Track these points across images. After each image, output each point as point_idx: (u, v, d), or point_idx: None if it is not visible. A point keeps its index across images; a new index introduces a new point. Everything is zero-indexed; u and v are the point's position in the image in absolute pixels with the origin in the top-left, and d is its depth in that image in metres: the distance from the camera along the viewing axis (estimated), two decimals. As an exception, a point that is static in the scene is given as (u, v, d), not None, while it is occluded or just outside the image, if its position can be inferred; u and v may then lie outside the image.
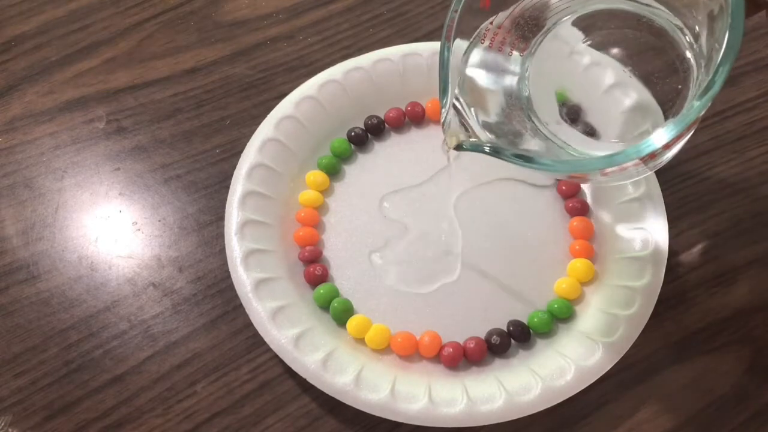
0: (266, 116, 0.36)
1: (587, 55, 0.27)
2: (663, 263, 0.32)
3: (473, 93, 0.27)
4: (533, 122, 0.27)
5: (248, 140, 0.35)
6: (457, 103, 0.27)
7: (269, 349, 0.31)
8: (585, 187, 0.36)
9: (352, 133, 0.37)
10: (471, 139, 0.26)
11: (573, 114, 0.28)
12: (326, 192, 0.36)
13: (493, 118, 0.28)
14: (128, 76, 0.40)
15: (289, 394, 0.32)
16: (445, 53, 0.26)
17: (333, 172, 0.36)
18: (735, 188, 0.36)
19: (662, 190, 0.34)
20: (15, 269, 0.35)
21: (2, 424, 0.31)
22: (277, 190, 0.35)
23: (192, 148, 0.38)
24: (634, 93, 0.26)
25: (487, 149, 0.25)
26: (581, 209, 0.35)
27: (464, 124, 0.27)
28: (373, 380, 0.30)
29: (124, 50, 0.41)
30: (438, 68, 0.26)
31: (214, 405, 0.31)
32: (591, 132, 0.27)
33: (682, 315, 0.33)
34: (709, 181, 0.36)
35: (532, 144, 0.27)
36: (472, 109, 0.27)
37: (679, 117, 0.21)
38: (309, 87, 0.37)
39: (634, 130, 0.27)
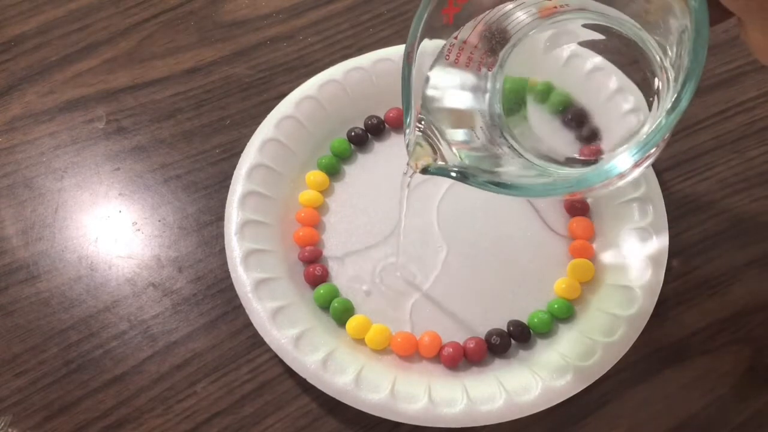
0: (266, 116, 0.36)
1: (586, 57, 0.27)
2: (663, 263, 0.32)
3: (442, 113, 0.26)
4: (506, 140, 0.26)
5: (248, 140, 0.35)
6: (422, 123, 0.25)
7: (269, 349, 0.31)
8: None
9: (352, 133, 0.37)
10: (438, 162, 0.25)
11: (578, 118, 0.27)
12: (326, 192, 0.36)
13: (464, 138, 0.26)
14: (128, 76, 0.40)
15: (289, 394, 0.32)
16: (406, 72, 0.25)
17: (333, 172, 0.36)
18: (735, 188, 0.36)
19: (662, 190, 0.34)
20: (15, 269, 0.35)
21: (2, 424, 0.31)
22: (277, 190, 0.35)
23: (192, 148, 0.38)
24: (632, 96, 0.26)
25: (453, 174, 0.24)
26: (581, 209, 0.35)
27: (432, 146, 0.25)
28: (373, 380, 0.30)
29: (124, 50, 0.41)
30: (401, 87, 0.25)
31: (214, 405, 0.31)
32: (593, 137, 0.27)
33: (682, 315, 0.33)
34: (709, 181, 0.36)
35: (509, 163, 0.26)
36: (441, 129, 0.26)
37: (647, 137, 0.20)
38: (309, 87, 0.37)
39: (635, 129, 0.27)
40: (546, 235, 0.35)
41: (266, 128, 0.35)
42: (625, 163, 0.20)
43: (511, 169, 0.26)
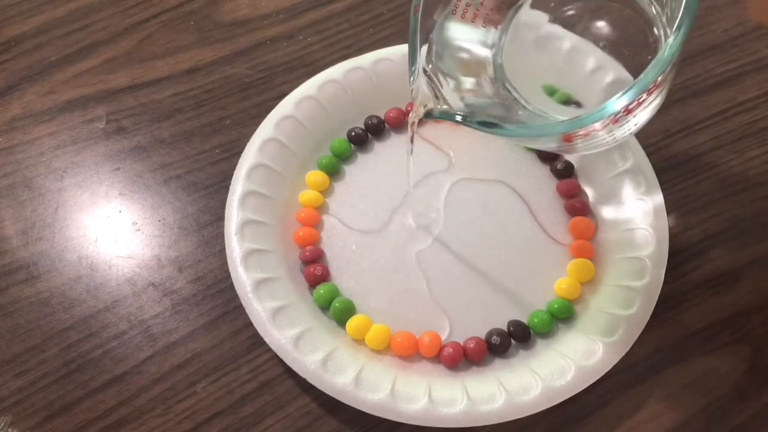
0: (266, 116, 0.36)
1: (565, 38, 0.27)
2: (663, 263, 0.32)
3: (445, 62, 0.28)
4: (509, 92, 0.27)
5: (248, 140, 0.35)
6: (428, 70, 0.27)
7: (269, 349, 0.31)
8: (585, 188, 0.36)
9: (352, 133, 0.37)
10: (441, 107, 0.26)
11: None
12: (326, 192, 0.36)
13: (471, 87, 0.28)
14: (128, 76, 0.40)
15: (289, 394, 0.32)
16: (413, 21, 0.26)
17: (333, 172, 0.36)
18: (735, 188, 0.36)
19: (662, 190, 0.34)
20: (15, 269, 0.35)
21: (2, 424, 0.31)
22: (277, 190, 0.35)
23: (192, 148, 0.38)
24: (612, 69, 0.26)
25: (458, 117, 0.25)
26: (581, 209, 0.35)
27: (435, 92, 0.27)
28: (373, 380, 0.30)
29: (124, 50, 0.41)
30: (408, 36, 0.26)
31: (214, 405, 0.31)
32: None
33: (682, 315, 0.33)
34: (709, 181, 0.36)
35: (513, 112, 0.27)
36: (445, 78, 0.27)
37: (639, 80, 0.21)
38: (309, 87, 0.37)
39: (600, 84, 0.27)
40: (546, 235, 0.35)
41: (266, 128, 0.35)
42: (619, 103, 0.21)
43: (514, 117, 0.27)
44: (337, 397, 0.29)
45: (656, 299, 0.31)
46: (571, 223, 0.35)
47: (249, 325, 0.32)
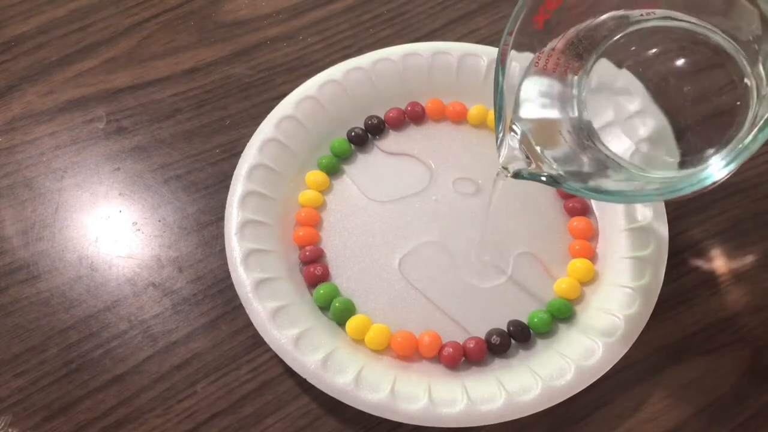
0: (266, 116, 0.36)
1: (621, 79, 0.27)
2: (663, 263, 0.32)
3: (533, 118, 0.27)
4: (594, 143, 0.27)
5: (248, 140, 0.35)
6: (516, 131, 0.26)
7: (269, 349, 0.31)
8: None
9: (352, 133, 0.37)
10: (530, 168, 0.26)
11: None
12: (326, 192, 0.36)
13: (553, 144, 0.27)
14: (128, 76, 0.40)
15: (289, 394, 0.32)
16: (500, 78, 0.25)
17: (333, 172, 0.36)
18: (735, 188, 0.36)
19: (662, 190, 0.34)
20: (15, 269, 0.35)
21: (2, 424, 0.31)
22: (277, 190, 0.35)
23: (192, 148, 0.38)
24: (653, 121, 0.26)
25: (544, 179, 0.24)
26: (581, 209, 0.35)
27: (525, 152, 0.26)
28: (373, 380, 0.30)
29: (124, 50, 0.41)
30: (492, 94, 0.25)
31: (214, 405, 0.31)
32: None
33: (682, 315, 0.33)
34: (709, 181, 0.36)
35: (595, 167, 0.27)
36: (532, 134, 0.26)
37: (741, 147, 0.20)
38: (309, 87, 0.37)
39: (657, 157, 0.27)
40: (546, 235, 0.35)
41: (266, 128, 0.35)
42: (720, 172, 0.21)
43: (597, 172, 0.27)
44: (337, 397, 0.29)
45: (656, 299, 0.31)
46: (571, 223, 0.35)
47: (249, 325, 0.32)
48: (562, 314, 0.32)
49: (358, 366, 0.30)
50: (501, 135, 0.26)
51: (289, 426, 0.31)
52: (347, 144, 0.37)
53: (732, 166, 0.20)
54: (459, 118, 0.38)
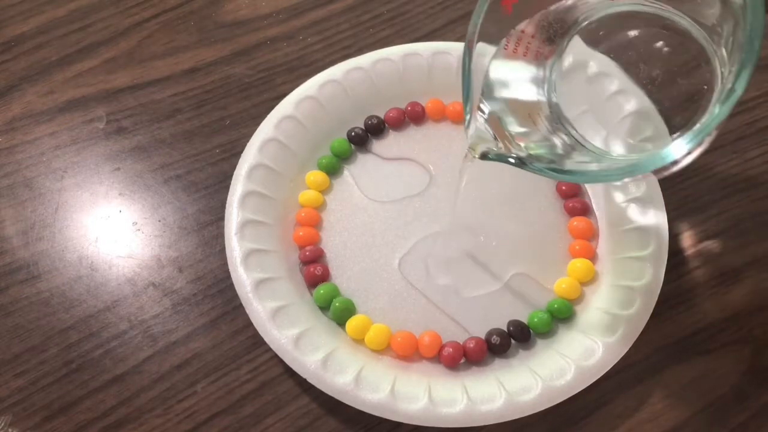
0: (266, 116, 0.36)
1: (595, 63, 0.27)
2: (663, 263, 0.32)
3: (502, 102, 0.27)
4: (564, 127, 0.27)
5: (248, 140, 0.35)
6: (483, 112, 0.26)
7: (269, 349, 0.31)
8: (585, 187, 0.36)
9: (352, 133, 0.37)
10: (497, 149, 0.26)
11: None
12: (326, 192, 0.36)
13: (523, 126, 0.27)
14: (128, 76, 0.40)
15: (289, 394, 0.32)
16: (467, 61, 0.25)
17: (333, 172, 0.36)
18: (735, 188, 0.36)
19: (662, 190, 0.34)
20: (15, 269, 0.35)
21: (2, 424, 0.31)
22: (277, 190, 0.35)
23: (192, 148, 0.38)
24: (636, 99, 0.26)
25: (512, 160, 0.25)
26: (581, 209, 0.35)
27: (492, 133, 0.26)
28: (373, 380, 0.30)
29: (124, 50, 0.41)
30: (461, 75, 0.26)
31: (214, 405, 0.31)
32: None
33: (682, 315, 0.33)
34: (709, 181, 0.36)
35: (565, 150, 0.27)
36: (501, 118, 0.27)
37: (701, 125, 0.21)
38: (309, 87, 0.37)
39: (637, 135, 0.27)
40: (546, 235, 0.35)
41: (266, 128, 0.35)
42: (679, 150, 0.21)
43: (567, 154, 0.27)
44: (337, 397, 0.29)
45: (656, 299, 0.31)
46: (571, 223, 0.35)
47: (249, 325, 0.32)
48: (562, 314, 0.32)
49: (358, 366, 0.30)
50: (468, 117, 0.26)
51: (289, 426, 0.31)
52: (347, 144, 0.37)
53: (691, 145, 0.21)
54: (459, 118, 0.38)
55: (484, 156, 0.26)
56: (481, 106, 0.26)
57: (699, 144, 0.21)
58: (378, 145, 0.37)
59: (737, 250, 0.35)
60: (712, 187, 0.36)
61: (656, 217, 0.33)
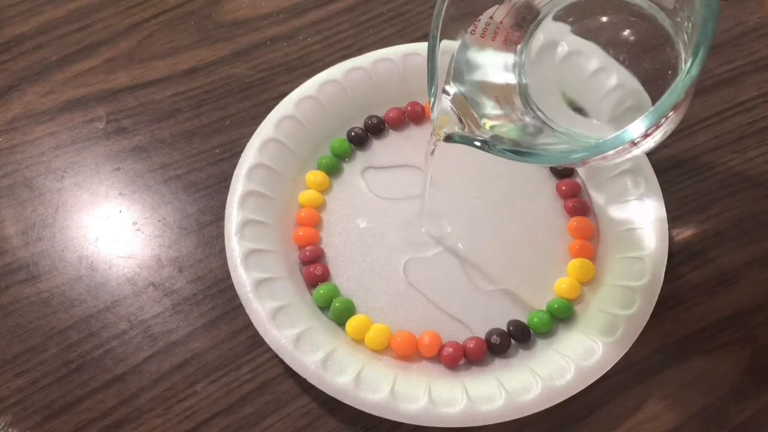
0: (266, 116, 0.36)
1: (571, 44, 0.27)
2: (663, 263, 0.32)
3: (470, 85, 0.27)
4: (532, 109, 0.27)
5: (248, 140, 0.35)
6: (449, 93, 0.26)
7: (269, 349, 0.31)
8: (585, 187, 0.36)
9: (352, 133, 0.37)
10: (462, 131, 0.26)
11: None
12: (326, 192, 0.36)
13: (491, 108, 0.27)
14: (128, 76, 0.40)
15: (289, 394, 0.32)
16: (431, 44, 0.26)
17: (333, 172, 0.36)
18: (735, 188, 0.36)
19: (662, 190, 0.34)
20: (15, 269, 0.35)
21: (2, 424, 0.31)
22: (277, 190, 0.35)
23: (192, 148, 0.38)
24: (616, 74, 0.26)
25: (476, 143, 0.25)
26: (581, 209, 0.35)
27: (457, 115, 0.26)
28: (373, 380, 0.30)
29: (124, 50, 0.41)
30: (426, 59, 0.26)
31: (214, 405, 0.31)
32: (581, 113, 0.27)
33: (682, 315, 0.33)
34: (709, 181, 0.36)
35: (534, 132, 0.27)
36: (469, 100, 0.27)
37: (656, 106, 0.21)
38: (309, 87, 0.37)
39: (620, 107, 0.27)
40: (546, 235, 0.35)
41: (266, 128, 0.35)
42: (637, 129, 0.21)
43: (534, 137, 0.27)
44: (337, 397, 0.29)
45: (656, 299, 0.31)
46: (571, 223, 0.35)
47: (249, 325, 0.32)
48: (562, 314, 0.32)
49: (358, 366, 0.30)
50: (433, 99, 0.26)
51: (289, 426, 0.31)
52: (347, 144, 0.37)
53: (647, 124, 0.21)
54: (459, 118, 0.38)
55: (448, 138, 0.26)
56: (447, 88, 0.26)
57: (655, 124, 0.21)
58: (378, 145, 0.37)
59: (737, 250, 0.35)
60: (712, 186, 0.36)
61: (656, 217, 0.33)
